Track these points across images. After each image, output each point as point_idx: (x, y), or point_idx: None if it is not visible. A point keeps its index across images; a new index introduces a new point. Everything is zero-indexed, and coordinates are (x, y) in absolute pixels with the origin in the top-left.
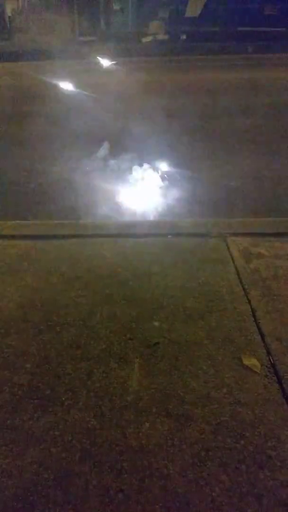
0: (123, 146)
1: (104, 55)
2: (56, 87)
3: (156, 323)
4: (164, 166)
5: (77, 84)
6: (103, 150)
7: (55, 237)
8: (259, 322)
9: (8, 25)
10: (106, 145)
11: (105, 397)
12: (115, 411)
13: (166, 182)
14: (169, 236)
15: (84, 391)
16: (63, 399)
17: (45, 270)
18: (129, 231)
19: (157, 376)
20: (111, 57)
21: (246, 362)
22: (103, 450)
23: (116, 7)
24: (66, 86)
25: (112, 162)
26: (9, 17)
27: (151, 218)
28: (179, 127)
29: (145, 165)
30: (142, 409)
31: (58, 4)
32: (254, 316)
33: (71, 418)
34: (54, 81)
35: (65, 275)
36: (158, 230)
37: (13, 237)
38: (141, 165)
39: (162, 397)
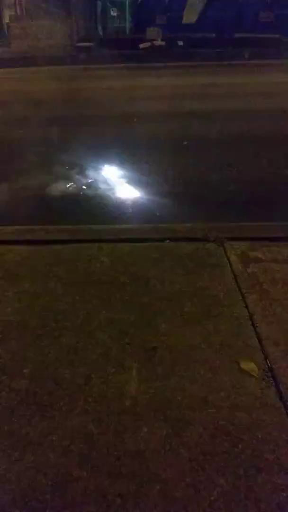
0: None
1: (101, 60)
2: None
3: (154, 328)
4: None
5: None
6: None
7: (53, 242)
8: (257, 326)
9: (6, 31)
10: None
11: (103, 402)
12: (113, 416)
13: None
14: (167, 241)
15: (82, 396)
16: (61, 404)
17: (43, 275)
18: (127, 236)
19: (155, 381)
20: (107, 63)
21: (243, 366)
22: (101, 455)
23: (113, 13)
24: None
25: None
26: (7, 23)
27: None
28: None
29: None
30: (140, 413)
31: (56, 11)
32: (251, 320)
33: (69, 423)
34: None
35: (63, 280)
36: (156, 235)
37: (11, 242)
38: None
39: (160, 401)
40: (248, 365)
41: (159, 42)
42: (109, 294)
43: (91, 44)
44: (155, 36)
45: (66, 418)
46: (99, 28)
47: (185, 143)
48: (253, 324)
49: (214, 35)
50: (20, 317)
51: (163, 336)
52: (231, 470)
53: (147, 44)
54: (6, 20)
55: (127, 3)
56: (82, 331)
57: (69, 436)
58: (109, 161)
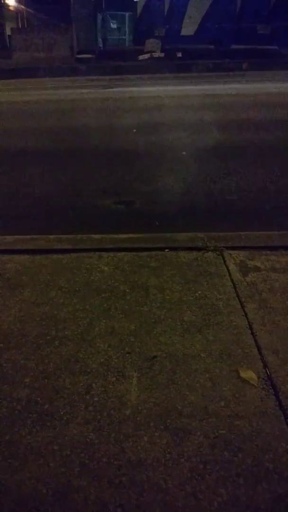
0: None
1: (100, 71)
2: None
3: (154, 337)
4: None
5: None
6: None
7: (53, 251)
8: (256, 335)
9: (8, 43)
10: None
11: (104, 411)
12: (113, 425)
13: None
14: (166, 250)
15: (83, 405)
16: (62, 413)
17: (43, 284)
18: (127, 245)
19: (155, 390)
20: (106, 74)
21: (243, 375)
22: (101, 464)
23: (113, 25)
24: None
25: None
26: (9, 36)
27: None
28: None
29: None
30: (140, 423)
31: (57, 23)
32: (251, 329)
33: (69, 433)
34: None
35: (64, 289)
36: (155, 244)
37: (12, 251)
38: None
39: (160, 410)
40: (248, 374)
41: (158, 54)
42: (109, 303)
43: (91, 55)
44: (154, 48)
45: (67, 427)
46: (99, 40)
47: (184, 153)
48: (252, 333)
49: (212, 46)
50: (21, 326)
51: (163, 345)
52: (232, 479)
53: (146, 56)
54: (8, 32)
55: (126, 15)
56: (82, 340)
57: (69, 445)
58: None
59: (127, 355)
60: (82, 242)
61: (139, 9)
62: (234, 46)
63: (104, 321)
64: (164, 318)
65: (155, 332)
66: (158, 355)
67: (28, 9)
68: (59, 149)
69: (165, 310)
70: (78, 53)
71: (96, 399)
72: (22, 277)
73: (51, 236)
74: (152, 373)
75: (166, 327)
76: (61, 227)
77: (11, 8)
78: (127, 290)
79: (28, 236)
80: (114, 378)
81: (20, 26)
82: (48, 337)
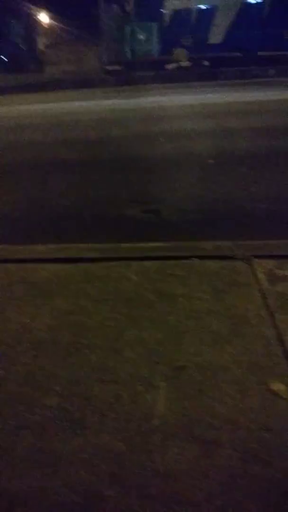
0: None
1: (128, 81)
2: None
3: (182, 347)
4: None
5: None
6: None
7: (83, 260)
8: (285, 346)
9: (40, 58)
10: None
11: (133, 421)
12: (142, 435)
13: None
14: (193, 259)
15: (112, 415)
16: (92, 422)
17: (73, 293)
18: (154, 254)
19: (184, 401)
20: (134, 84)
21: (273, 387)
22: (131, 474)
23: (141, 36)
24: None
25: None
26: (41, 50)
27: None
28: None
29: None
30: (169, 433)
31: (86, 37)
32: (280, 340)
33: (99, 442)
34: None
35: (93, 297)
36: (182, 253)
37: (44, 260)
38: None
39: (189, 422)
40: (277, 386)
41: (185, 63)
42: (138, 312)
43: (119, 67)
44: (181, 57)
45: (97, 436)
46: (127, 51)
47: (211, 161)
48: (282, 344)
49: (239, 54)
50: (52, 334)
51: (191, 355)
52: (261, 494)
53: (174, 65)
54: (40, 47)
55: (154, 26)
56: (111, 349)
57: (99, 455)
58: None
59: (155, 365)
60: (111, 251)
61: (166, 19)
62: (260, 53)
63: (132, 330)
64: (192, 328)
65: (183, 342)
66: (186, 365)
67: (59, 24)
68: (88, 160)
69: (193, 320)
70: (107, 64)
71: (125, 408)
72: (54, 286)
73: (81, 245)
74: (181, 383)
75: (194, 337)
76: (90, 235)
77: (43, 24)
78: (155, 299)
79: (59, 245)
80: (143, 388)
81: (51, 41)
82: (78, 345)
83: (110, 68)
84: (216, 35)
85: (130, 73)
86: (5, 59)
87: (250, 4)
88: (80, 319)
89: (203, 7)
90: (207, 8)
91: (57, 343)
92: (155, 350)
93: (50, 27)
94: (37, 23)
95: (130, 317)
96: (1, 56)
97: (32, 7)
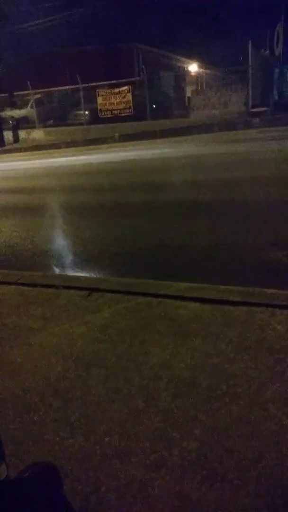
0: None
1: (274, 123)
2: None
3: None
4: None
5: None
6: None
7: (223, 302)
8: None
9: (187, 104)
10: None
11: (277, 486)
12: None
13: None
14: None
15: (254, 474)
16: (232, 477)
17: (214, 335)
18: None
19: None
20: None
21: None
22: None
23: None
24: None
25: None
26: (189, 97)
27: None
28: None
29: None
30: None
31: (233, 81)
32: None
33: (239, 501)
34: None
35: (234, 343)
36: None
37: (183, 298)
38: None
39: None
40: None
41: None
42: (283, 365)
43: (265, 108)
44: None
45: (236, 494)
46: (275, 93)
47: None
48: None
49: None
50: (192, 375)
51: None
52: None
53: None
54: (188, 94)
55: None
56: (254, 402)
57: None
58: None
59: None
60: (254, 295)
61: None
62: None
63: (277, 384)
64: None
65: None
66: None
67: (207, 71)
68: (226, 200)
69: None
70: (253, 107)
71: (268, 471)
72: (193, 325)
73: (222, 287)
74: None
75: None
76: (226, 278)
77: (192, 73)
78: None
79: (199, 285)
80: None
81: (198, 87)
82: (219, 392)
83: (255, 110)
84: None
85: (276, 114)
86: (154, 107)
87: None
88: (221, 364)
89: None
90: None
91: (197, 385)
92: None
93: (198, 75)
94: (186, 73)
95: (274, 370)
96: (153, 105)
97: (181, 58)
